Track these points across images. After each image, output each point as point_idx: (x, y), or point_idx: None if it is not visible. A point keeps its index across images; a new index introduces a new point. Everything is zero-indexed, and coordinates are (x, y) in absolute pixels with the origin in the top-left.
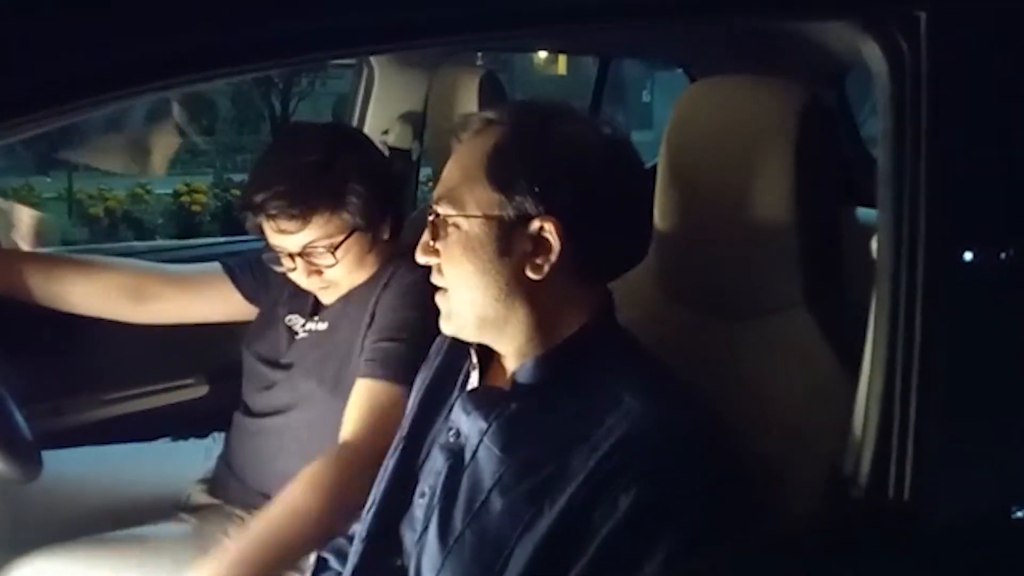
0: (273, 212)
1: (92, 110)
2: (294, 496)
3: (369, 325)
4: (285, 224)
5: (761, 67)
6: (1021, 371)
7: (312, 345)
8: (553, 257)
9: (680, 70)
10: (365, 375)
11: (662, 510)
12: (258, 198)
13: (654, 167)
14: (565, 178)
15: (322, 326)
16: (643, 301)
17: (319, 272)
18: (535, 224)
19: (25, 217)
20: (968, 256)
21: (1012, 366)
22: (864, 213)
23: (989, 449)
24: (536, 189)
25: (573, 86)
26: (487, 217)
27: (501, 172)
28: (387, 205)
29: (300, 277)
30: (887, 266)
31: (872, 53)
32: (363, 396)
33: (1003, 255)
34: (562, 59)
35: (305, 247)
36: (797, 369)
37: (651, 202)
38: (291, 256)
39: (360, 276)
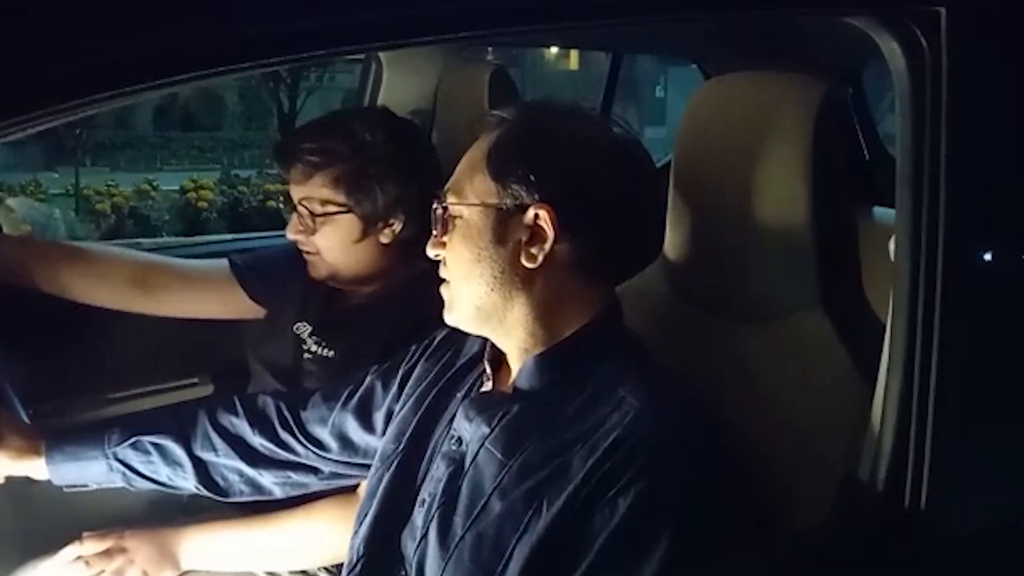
0: (291, 156)
1: (99, 107)
2: (321, 512)
3: (379, 361)
4: (296, 173)
5: (776, 63)
6: None
7: (318, 369)
8: (547, 246)
9: (694, 66)
10: None
11: (660, 510)
12: (289, 141)
13: (667, 164)
14: (560, 168)
15: (329, 352)
16: (655, 300)
17: (304, 232)
18: (530, 213)
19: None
20: (988, 257)
21: None
22: (882, 212)
23: (1008, 456)
24: (531, 178)
25: (585, 81)
26: (485, 205)
27: (499, 163)
28: (403, 212)
29: (291, 231)
30: (905, 267)
31: (891, 49)
32: None
33: None
34: (574, 54)
35: (301, 200)
36: (812, 372)
37: (661, 203)
38: (293, 207)
39: (345, 265)
